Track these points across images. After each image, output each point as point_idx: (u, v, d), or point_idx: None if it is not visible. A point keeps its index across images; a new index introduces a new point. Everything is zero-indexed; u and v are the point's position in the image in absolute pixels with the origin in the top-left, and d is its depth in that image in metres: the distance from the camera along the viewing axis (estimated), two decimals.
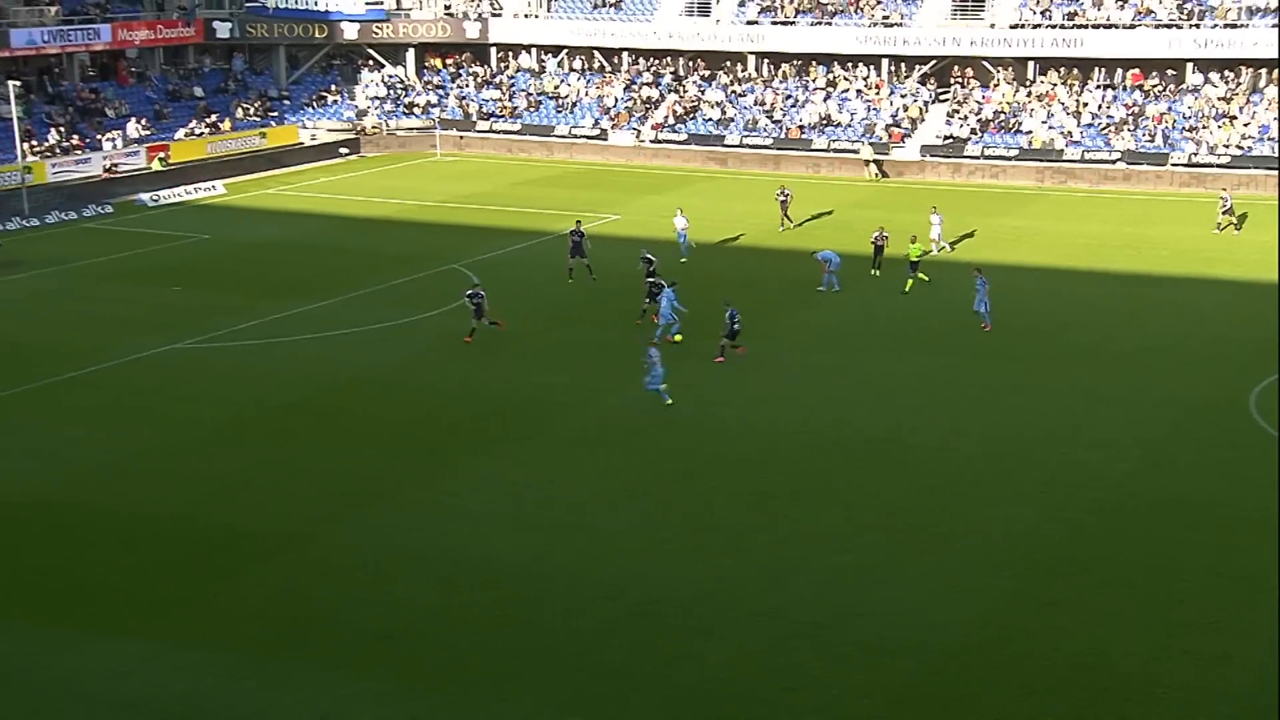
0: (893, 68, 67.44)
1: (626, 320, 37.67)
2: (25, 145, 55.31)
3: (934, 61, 66.49)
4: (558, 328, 37.43)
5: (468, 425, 29.86)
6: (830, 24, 67.95)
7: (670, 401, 30.24)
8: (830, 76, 68.06)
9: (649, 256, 38.91)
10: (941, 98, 65.87)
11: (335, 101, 71.58)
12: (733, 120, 66.64)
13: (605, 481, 26.62)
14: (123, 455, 27.82)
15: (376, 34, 72.81)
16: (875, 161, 61.90)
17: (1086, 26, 63.59)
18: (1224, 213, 48.65)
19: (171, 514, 25.10)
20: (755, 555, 23.35)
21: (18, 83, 55.93)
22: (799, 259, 42.80)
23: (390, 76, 73.63)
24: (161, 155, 60.81)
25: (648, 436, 29.06)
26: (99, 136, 60.62)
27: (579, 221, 43.44)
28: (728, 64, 70.55)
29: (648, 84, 70.39)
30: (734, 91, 68.63)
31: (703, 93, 68.92)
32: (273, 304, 38.93)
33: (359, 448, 28.42)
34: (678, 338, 35.30)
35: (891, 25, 66.80)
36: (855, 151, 62.54)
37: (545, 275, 42.45)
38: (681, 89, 69.57)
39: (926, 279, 40.78)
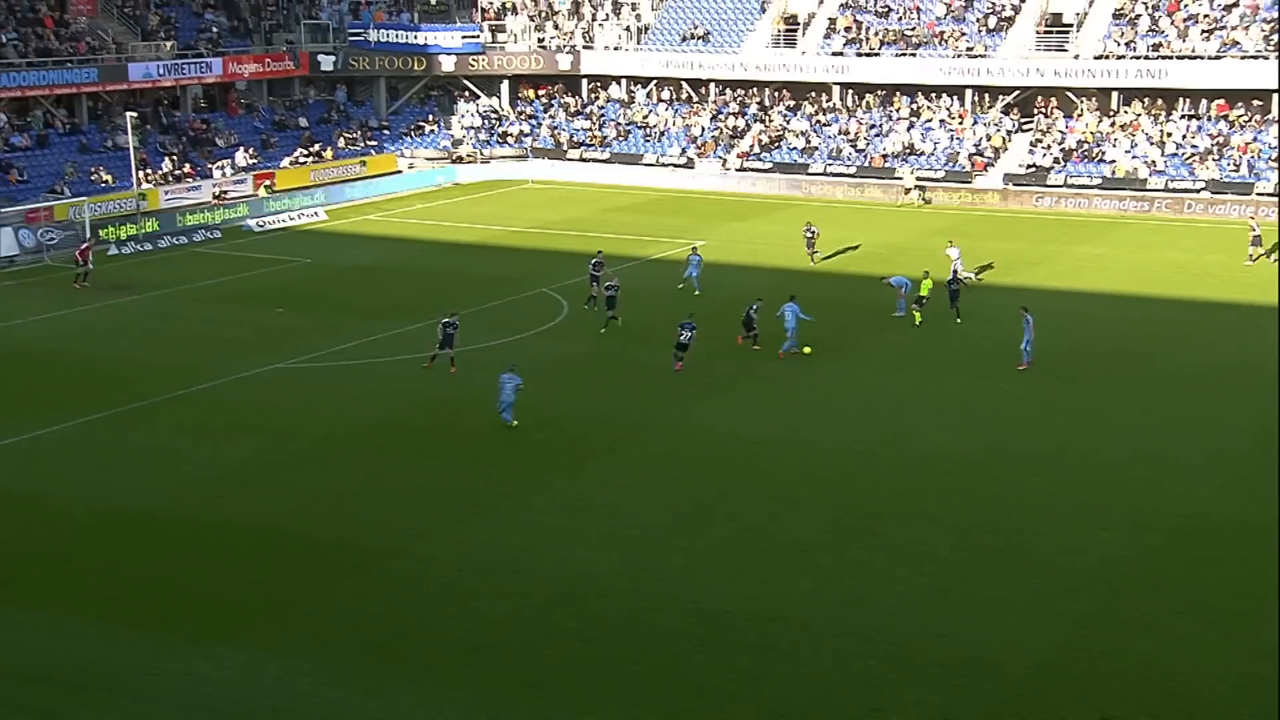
0: (976, 98, 66.76)
1: (711, 342, 37.57)
2: (140, 173, 56.62)
3: (1017, 92, 65.70)
4: (641, 348, 37.41)
5: (553, 444, 29.89)
6: (914, 55, 67.45)
7: (515, 424, 29.94)
8: (914, 106, 67.54)
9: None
10: (1024, 127, 65.02)
11: (433, 131, 72.48)
12: (817, 149, 66.34)
13: (686, 501, 26.48)
14: (225, 469, 28.23)
15: (472, 66, 73.63)
16: (918, 187, 61.55)
17: (1171, 57, 62.42)
18: (1253, 244, 47.12)
19: (270, 526, 25.39)
20: (835, 575, 23.05)
21: (134, 114, 57.31)
22: (873, 285, 42.39)
23: (485, 107, 74.42)
24: (267, 183, 61.95)
25: (730, 457, 28.88)
26: (209, 165, 61.93)
27: (599, 252, 43.49)
28: (812, 94, 70.31)
29: (734, 114, 70.37)
30: (818, 121, 68.37)
31: (788, 122, 68.72)
32: (371, 325, 39.37)
33: (449, 465, 28.58)
34: (806, 349, 35.60)
35: (975, 56, 66.13)
36: (917, 182, 62.02)
37: (629, 298, 42.47)
38: (767, 119, 69.44)
39: (919, 321, 39.06)
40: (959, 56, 66.44)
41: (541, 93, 75.87)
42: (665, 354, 36.87)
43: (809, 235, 48.10)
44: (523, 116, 74.09)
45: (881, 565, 23.41)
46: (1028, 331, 34.64)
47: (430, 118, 73.44)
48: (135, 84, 62.61)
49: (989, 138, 64.24)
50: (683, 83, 73.21)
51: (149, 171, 59.01)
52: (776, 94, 71.16)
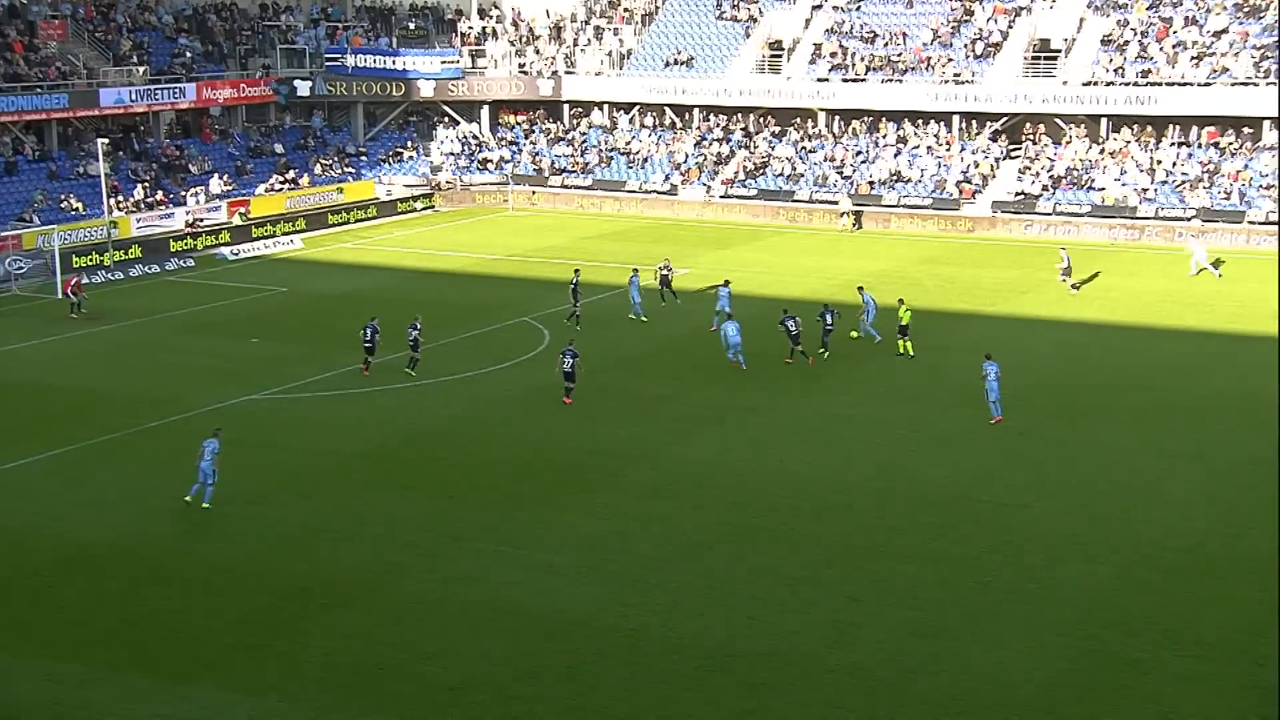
0: (964, 124, 67.27)
1: (696, 372, 37.72)
2: (112, 200, 56.56)
3: (1005, 118, 66.24)
4: (626, 379, 37.50)
5: (536, 477, 29.91)
6: (901, 81, 67.98)
7: (206, 506, 27.65)
8: (900, 133, 68.01)
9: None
10: (1013, 154, 65.54)
11: (411, 157, 72.65)
12: (802, 176, 66.72)
13: (674, 534, 26.52)
14: (200, 506, 28.09)
15: (452, 92, 73.93)
16: (854, 213, 62.61)
17: (1160, 84, 63.07)
18: (1063, 275, 47.87)
19: (244, 562, 25.33)
20: (825, 609, 23.10)
21: (106, 140, 57.35)
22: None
23: (465, 133, 74.66)
24: (242, 210, 61.98)
25: (717, 489, 28.94)
26: (182, 192, 61.93)
27: (577, 271, 44.19)
28: (798, 120, 70.76)
29: (718, 140, 70.76)
30: (804, 148, 68.78)
31: (773, 149, 69.12)
32: (348, 356, 39.38)
33: (429, 498, 28.56)
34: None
35: (963, 82, 66.69)
36: (836, 204, 63.21)
37: (614, 329, 42.60)
38: (752, 145, 69.84)
39: (911, 352, 39.11)
40: (946, 82, 66.99)
41: (522, 118, 76.18)
42: (652, 384, 36.97)
43: (664, 273, 46.69)
44: (503, 142, 74.37)
45: (870, 599, 23.47)
46: (992, 383, 32.99)
47: (409, 144, 73.65)
48: (107, 110, 62.66)
49: (977, 164, 64.71)
50: (666, 108, 73.62)
51: (121, 199, 58.97)
52: (761, 120, 71.59)
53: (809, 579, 24.34)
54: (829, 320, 39.05)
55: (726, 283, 43.29)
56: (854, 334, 40.73)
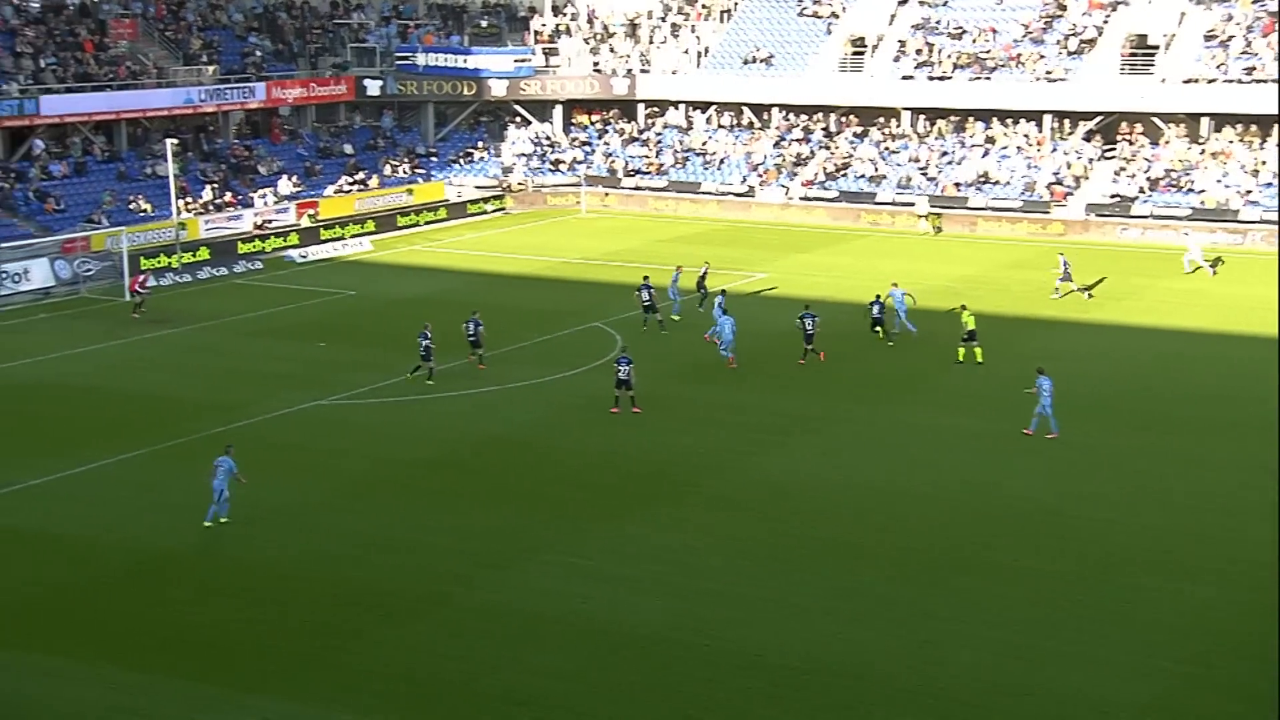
0: (1055, 124, 66.42)
1: (769, 380, 37.57)
2: (180, 202, 57.48)
3: (1100, 117, 65.29)
4: (698, 388, 37.42)
5: (606, 487, 29.93)
6: (989, 79, 67.27)
7: (225, 520, 27.58)
8: (989, 133, 67.31)
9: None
10: (1108, 155, 64.59)
11: (482, 158, 73.13)
12: (885, 177, 66.24)
13: (746, 547, 26.40)
14: (264, 510, 28.47)
15: (524, 91, 74.32)
16: (933, 215, 62.11)
17: (1266, 81, 61.80)
18: (1063, 279, 47.44)
19: (309, 570, 25.57)
20: (903, 627, 22.86)
21: (175, 140, 58.23)
22: (940, 319, 42.13)
23: (537, 133, 75.02)
24: (311, 212, 62.72)
25: (792, 501, 28.77)
26: (251, 193, 62.80)
27: (646, 277, 44.40)
28: (880, 120, 70.27)
29: (798, 140, 70.46)
30: (887, 148, 68.29)
31: (854, 149, 68.71)
32: (416, 361, 39.63)
33: (496, 507, 28.68)
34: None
35: (1055, 80, 65.83)
36: (930, 209, 62.50)
37: (687, 334, 42.54)
38: (832, 145, 69.48)
39: (978, 360, 38.73)
40: (1038, 80, 66.16)
41: (596, 118, 76.40)
42: (724, 393, 36.88)
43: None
44: (576, 143, 74.61)
45: (951, 618, 23.18)
46: (1044, 395, 32.29)
47: (480, 144, 74.11)
48: (176, 110, 63.73)
49: (1069, 165, 63.85)
50: (744, 107, 73.44)
51: (189, 200, 59.88)
52: (843, 119, 71.19)
53: (888, 595, 24.10)
54: (809, 326, 39.13)
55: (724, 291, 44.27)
56: (892, 330, 41.56)
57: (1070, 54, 66.81)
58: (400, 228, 64.40)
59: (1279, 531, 25.07)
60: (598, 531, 27.29)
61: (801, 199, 66.86)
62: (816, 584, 24.61)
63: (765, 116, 73.06)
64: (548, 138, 75.00)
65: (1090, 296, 47.40)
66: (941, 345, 40.37)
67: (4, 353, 41.83)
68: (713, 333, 40.11)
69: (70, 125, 61.18)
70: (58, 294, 50.65)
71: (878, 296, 42.10)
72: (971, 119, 68.14)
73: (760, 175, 68.78)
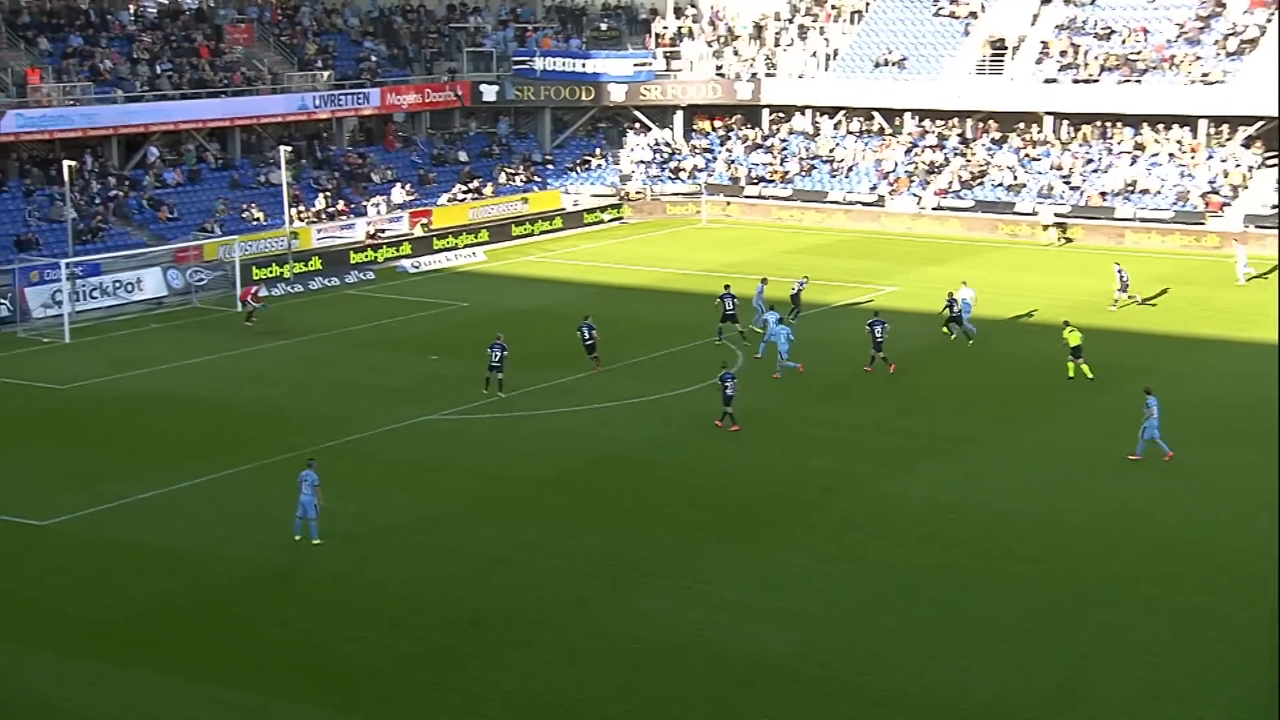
0: (1211, 129, 64.83)
1: (901, 399, 37.17)
2: (293, 210, 58.66)
3: (1261, 123, 63.54)
4: (824, 406, 37.13)
5: (727, 509, 29.80)
6: (1139, 82, 65.93)
7: (316, 543, 27.89)
8: (1138, 139, 65.95)
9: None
10: (1269, 162, 62.82)
11: (600, 165, 73.57)
12: (1024, 186, 65.23)
13: (877, 575, 26.10)
14: (374, 529, 28.85)
15: (644, 96, 74.62)
16: (1058, 225, 61.36)
17: None
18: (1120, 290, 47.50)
19: (421, 592, 25.82)
20: (1046, 664, 22.40)
21: (289, 148, 59.47)
22: (1100, 337, 41.28)
23: (657, 140, 75.26)
24: (424, 221, 63.62)
25: (925, 527, 28.38)
26: (364, 202, 63.90)
27: (727, 285, 44.67)
28: (1021, 125, 69.24)
29: (931, 147, 69.73)
30: (1027, 155, 67.25)
31: (992, 156, 67.80)
32: (529, 375, 39.95)
33: (611, 528, 28.72)
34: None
35: (1212, 83, 64.29)
36: (1055, 219, 61.88)
37: (813, 350, 42.22)
38: (968, 152, 68.62)
39: (1088, 376, 38.25)
40: (1192, 83, 64.68)
41: (718, 124, 76.42)
42: (853, 412, 36.57)
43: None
44: (697, 150, 74.72)
45: (1098, 655, 22.66)
46: (1150, 420, 31.59)
47: (597, 151, 74.58)
48: (290, 116, 65.10)
49: (1226, 174, 62.25)
50: (874, 112, 72.90)
51: (302, 209, 61.12)
52: (980, 125, 70.31)
53: (1028, 629, 23.64)
54: (878, 332, 39.96)
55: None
56: (945, 331, 43.02)
57: (1229, 55, 65.20)
58: (515, 237, 64.98)
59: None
60: (717, 555, 27.17)
61: (934, 209, 66.11)
62: (952, 617, 24.22)
63: (897, 122, 72.44)
64: (668, 144, 75.21)
65: (1148, 304, 47.89)
66: (1053, 361, 39.56)
67: (116, 363, 43.03)
68: (776, 351, 39.84)
69: (185, 132, 62.88)
70: (170, 304, 52.03)
71: (951, 295, 43.17)
72: (1119, 124, 66.84)
73: (891, 184, 68.18)
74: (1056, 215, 62.00)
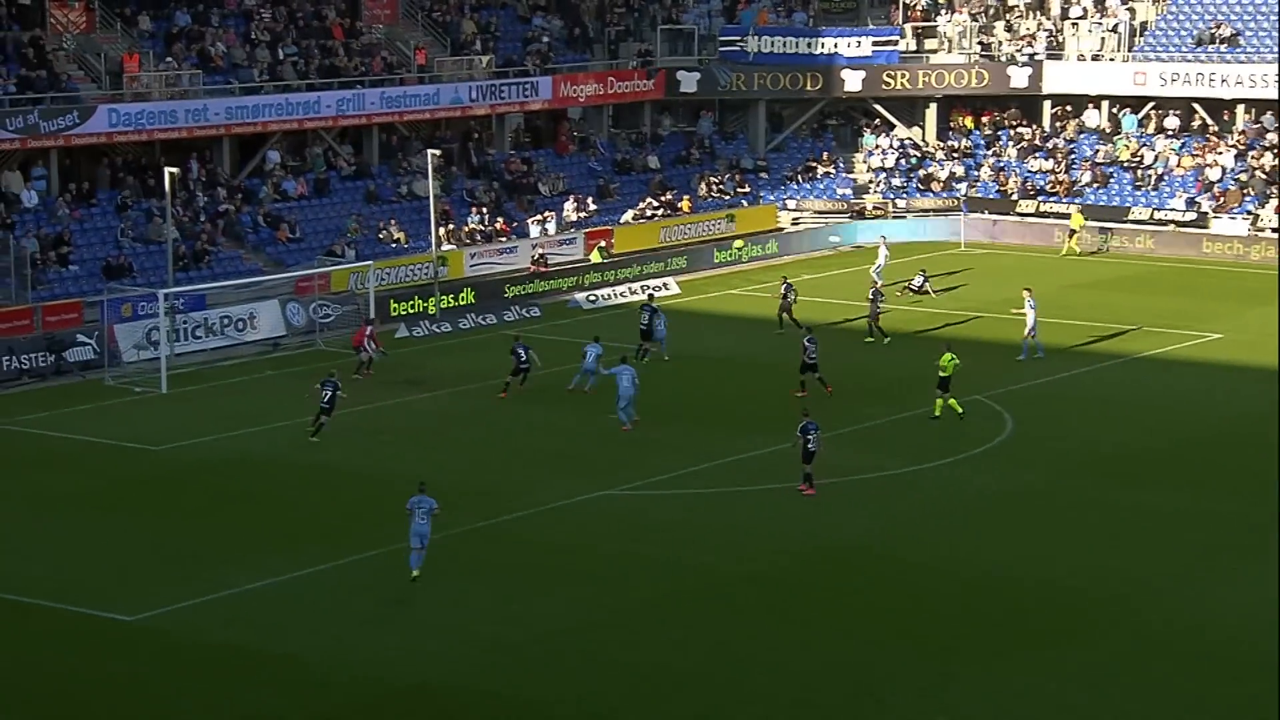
0: None
1: (1222, 477, 36.34)
2: (441, 230, 59.56)
3: None
4: (1132, 489, 36.58)
5: (985, 619, 29.61)
6: None
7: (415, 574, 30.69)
8: None
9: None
10: None
11: (828, 174, 73.49)
12: None
13: (1192, 713, 25.65)
14: (535, 633, 29.10)
15: (887, 84, 74.41)
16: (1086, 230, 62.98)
17: None
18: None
19: (589, 712, 26.06)
20: None
21: (437, 152, 59.88)
22: None
23: (902, 140, 74.99)
24: (603, 244, 64.19)
25: (1254, 650, 27.68)
26: (529, 219, 64.62)
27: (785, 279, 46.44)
28: None
29: (1272, 149, 68.16)
30: None
31: None
32: (729, 440, 40.07)
33: (839, 638, 28.66)
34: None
35: None
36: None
37: (1113, 411, 41.48)
38: None
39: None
40: None
41: (984, 120, 75.90)
42: (1163, 495, 35.92)
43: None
44: (955, 153, 74.27)
45: None
46: None
47: (825, 155, 74.50)
48: (440, 112, 66.35)
49: None
50: (1195, 105, 71.63)
51: (452, 228, 62.09)
52: None
53: None
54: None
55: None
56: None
57: None
58: (717, 265, 65.33)
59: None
60: (973, 677, 26.98)
61: (1274, 230, 64.57)
62: None
63: (1225, 117, 71.11)
64: (916, 146, 74.93)
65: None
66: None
67: (222, 418, 44.18)
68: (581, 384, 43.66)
69: (311, 132, 63.89)
70: (288, 345, 52.91)
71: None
72: None
73: (1216, 198, 66.87)
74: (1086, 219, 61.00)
